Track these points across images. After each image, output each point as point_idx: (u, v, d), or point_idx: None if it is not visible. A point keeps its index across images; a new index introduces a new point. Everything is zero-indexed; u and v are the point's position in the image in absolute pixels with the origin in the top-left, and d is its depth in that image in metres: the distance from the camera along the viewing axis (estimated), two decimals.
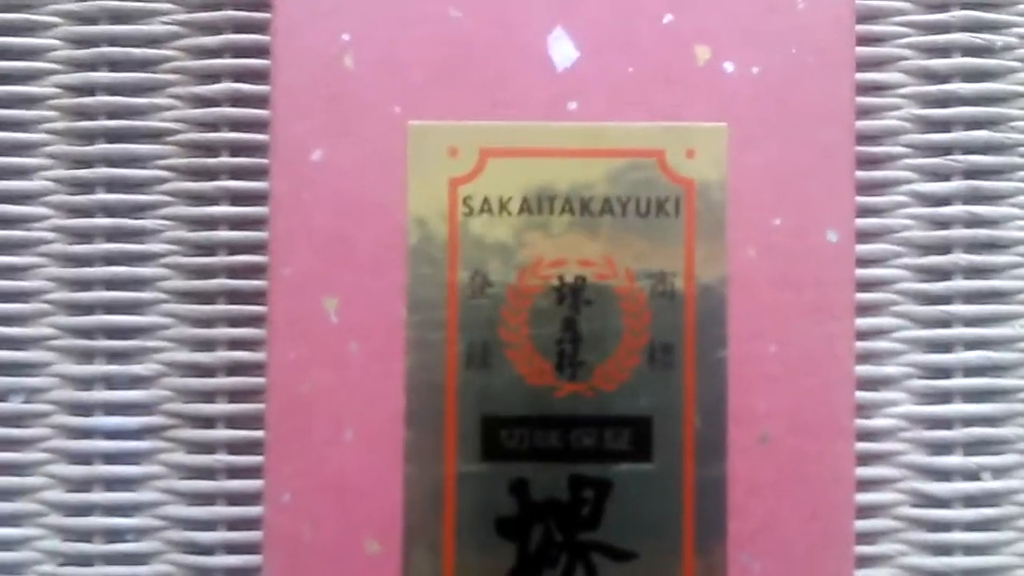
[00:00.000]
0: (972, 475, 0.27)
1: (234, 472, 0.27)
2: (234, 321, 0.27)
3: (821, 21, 0.22)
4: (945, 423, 0.27)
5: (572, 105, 0.22)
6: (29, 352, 0.28)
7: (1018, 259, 0.28)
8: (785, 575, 0.22)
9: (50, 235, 0.28)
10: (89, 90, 0.28)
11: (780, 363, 0.22)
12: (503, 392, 0.22)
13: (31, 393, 0.28)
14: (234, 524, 0.27)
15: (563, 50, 0.22)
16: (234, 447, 0.27)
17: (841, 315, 0.22)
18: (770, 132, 0.22)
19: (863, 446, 0.27)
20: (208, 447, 0.27)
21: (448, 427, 0.22)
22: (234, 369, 0.27)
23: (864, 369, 0.27)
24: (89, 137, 0.28)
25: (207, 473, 0.27)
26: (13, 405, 0.28)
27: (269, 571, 0.22)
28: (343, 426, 0.22)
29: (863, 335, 0.27)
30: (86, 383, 0.28)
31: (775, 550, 0.22)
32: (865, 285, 0.27)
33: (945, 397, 0.28)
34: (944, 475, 0.27)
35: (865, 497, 0.27)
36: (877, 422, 0.27)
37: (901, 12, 0.28)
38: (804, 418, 0.22)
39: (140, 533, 0.27)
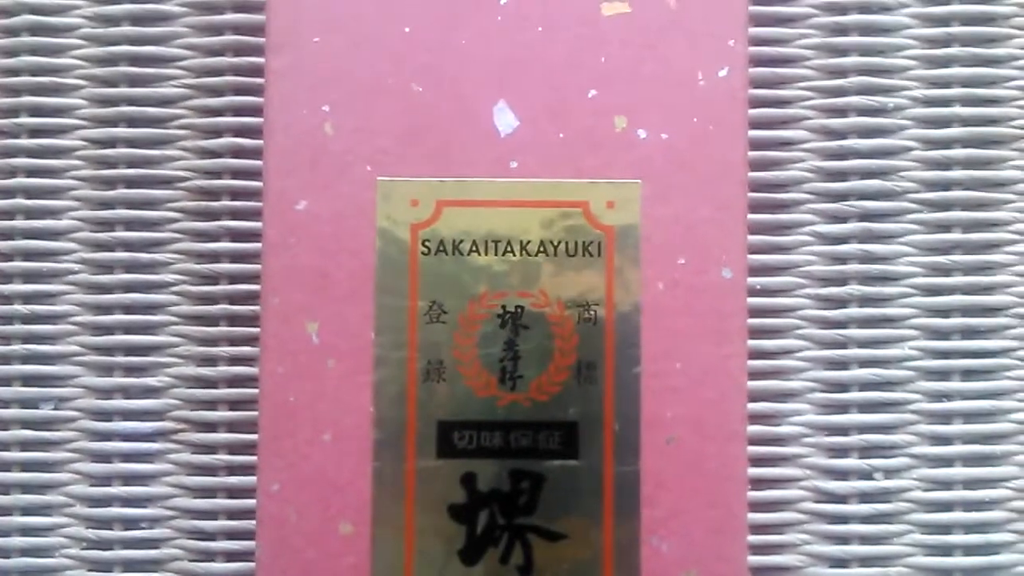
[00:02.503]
0: (866, 475, 0.32)
1: (232, 470, 0.32)
2: (233, 341, 0.32)
3: (718, 95, 0.27)
4: (842, 430, 0.32)
5: (513, 164, 0.27)
6: (57, 366, 0.32)
7: (906, 290, 0.32)
8: (689, 554, 0.26)
9: (76, 266, 0.32)
10: (110, 143, 0.32)
11: (684, 378, 0.26)
12: (455, 401, 0.26)
13: (59, 401, 0.32)
14: (233, 514, 0.32)
15: (505, 119, 0.27)
16: (233, 448, 0.32)
17: (735, 338, 0.27)
18: (676, 187, 0.27)
19: (770, 449, 0.32)
20: (210, 448, 0.32)
21: (409, 430, 0.26)
22: (233, 382, 0.32)
23: (771, 384, 0.32)
24: (110, 183, 0.32)
25: (210, 470, 0.32)
26: (44, 411, 0.32)
27: (261, 547, 0.26)
28: (322, 429, 0.26)
29: (771, 354, 0.32)
30: (106, 393, 0.32)
31: (680, 533, 0.26)
32: (772, 311, 0.32)
33: (842, 408, 0.32)
34: (842, 475, 0.32)
35: (772, 493, 0.32)
36: (783, 429, 0.32)
37: (804, 78, 0.32)
38: (704, 423, 0.26)
39: (152, 521, 0.32)
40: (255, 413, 0.31)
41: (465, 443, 0.26)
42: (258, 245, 0.31)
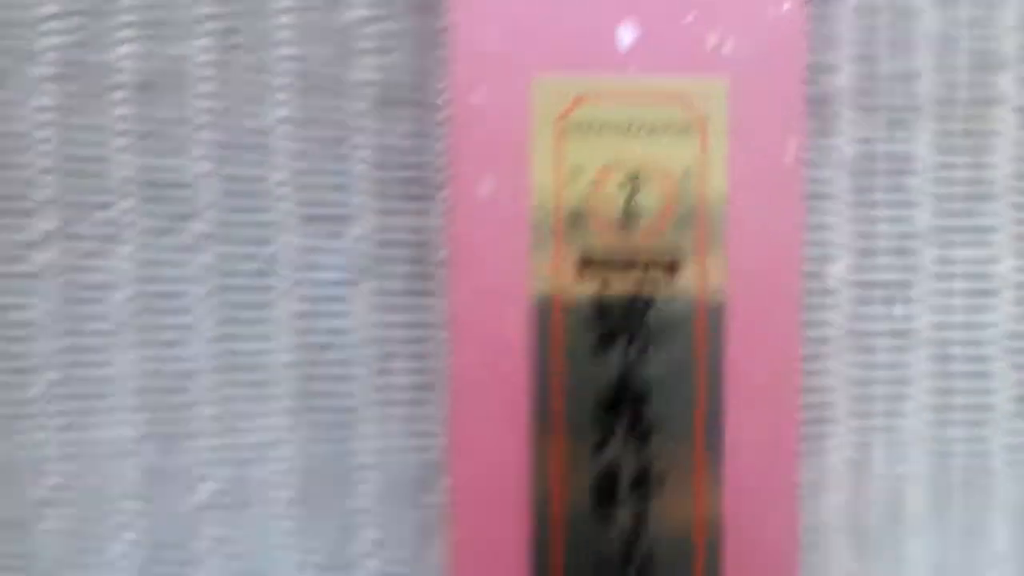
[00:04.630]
0: None
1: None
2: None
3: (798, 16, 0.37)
4: None
5: (633, 68, 0.36)
6: None
7: None
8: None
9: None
10: None
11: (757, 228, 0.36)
12: (588, 245, 0.36)
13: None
14: None
15: (628, 33, 0.36)
16: None
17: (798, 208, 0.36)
18: (759, 87, 0.36)
19: None
20: None
21: (555, 259, 0.36)
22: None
23: None
24: None
25: None
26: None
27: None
28: None
29: None
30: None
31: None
32: None
33: None
34: None
35: None
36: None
37: None
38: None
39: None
40: None
41: (596, 273, 0.35)
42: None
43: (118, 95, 0.40)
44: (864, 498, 0.40)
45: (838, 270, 0.40)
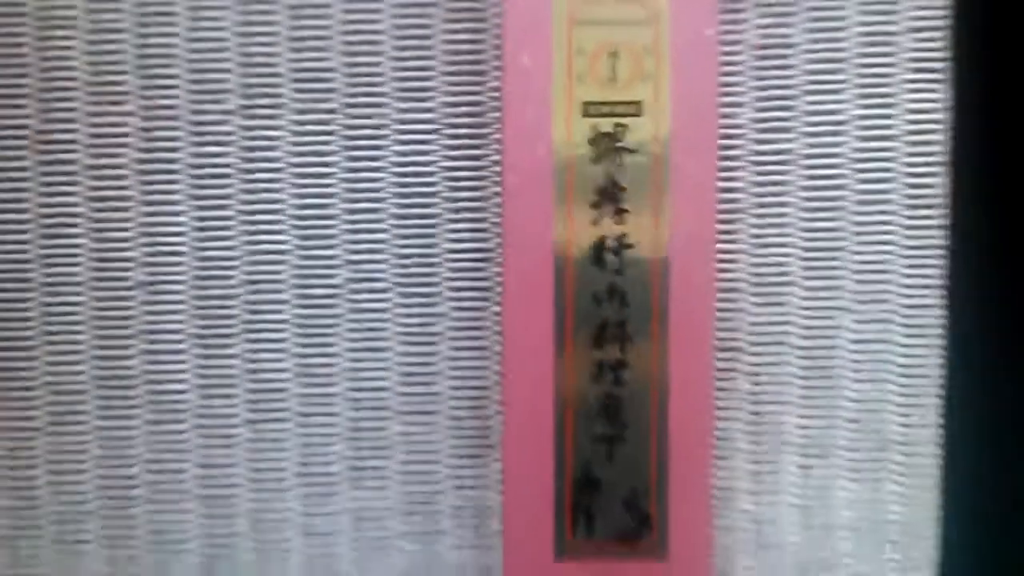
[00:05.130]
0: None
1: None
2: None
3: None
4: None
5: None
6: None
7: None
8: None
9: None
10: None
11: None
12: (589, 88, 0.58)
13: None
14: None
15: None
16: None
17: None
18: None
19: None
20: None
21: (568, 106, 0.58)
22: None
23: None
24: None
25: None
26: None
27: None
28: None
29: None
30: None
31: None
32: None
33: None
34: None
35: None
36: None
37: None
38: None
39: None
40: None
41: (593, 114, 0.58)
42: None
43: (277, 5, 0.62)
44: (761, 259, 0.64)
45: (744, 112, 0.64)
